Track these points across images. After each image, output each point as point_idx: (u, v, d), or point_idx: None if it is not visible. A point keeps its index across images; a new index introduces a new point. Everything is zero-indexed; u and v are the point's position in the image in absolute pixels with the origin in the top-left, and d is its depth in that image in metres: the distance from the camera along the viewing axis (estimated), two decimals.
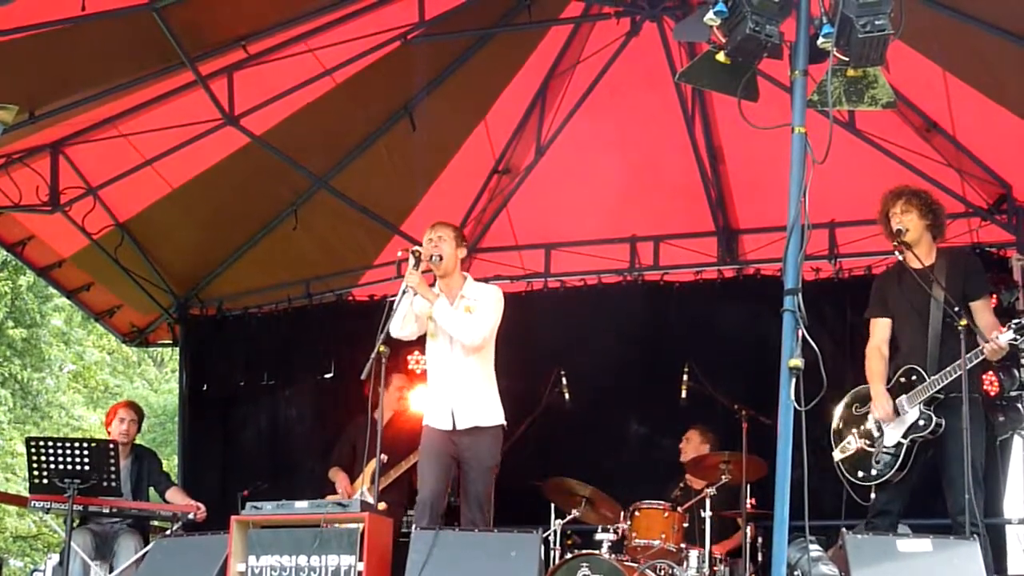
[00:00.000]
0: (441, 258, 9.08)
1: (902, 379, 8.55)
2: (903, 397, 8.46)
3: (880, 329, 8.90)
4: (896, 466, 8.41)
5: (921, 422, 8.34)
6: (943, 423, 8.29)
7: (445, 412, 9.09)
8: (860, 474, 8.57)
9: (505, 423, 9.28)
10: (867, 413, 8.67)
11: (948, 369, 8.24)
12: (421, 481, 9.15)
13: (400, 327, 8.98)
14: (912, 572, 7.53)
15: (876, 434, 8.56)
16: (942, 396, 8.31)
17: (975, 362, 8.16)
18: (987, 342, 8.13)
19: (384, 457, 9.18)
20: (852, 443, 8.65)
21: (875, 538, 7.90)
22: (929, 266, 8.59)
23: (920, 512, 9.19)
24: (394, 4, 11.26)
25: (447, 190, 13.36)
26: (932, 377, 8.33)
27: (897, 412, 8.46)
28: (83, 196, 12.42)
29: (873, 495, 8.52)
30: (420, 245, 9.19)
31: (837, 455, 8.70)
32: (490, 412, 9.15)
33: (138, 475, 11.17)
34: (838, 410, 8.80)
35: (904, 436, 8.40)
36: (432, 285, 9.23)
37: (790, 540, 6.62)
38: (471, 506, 9.03)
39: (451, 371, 9.14)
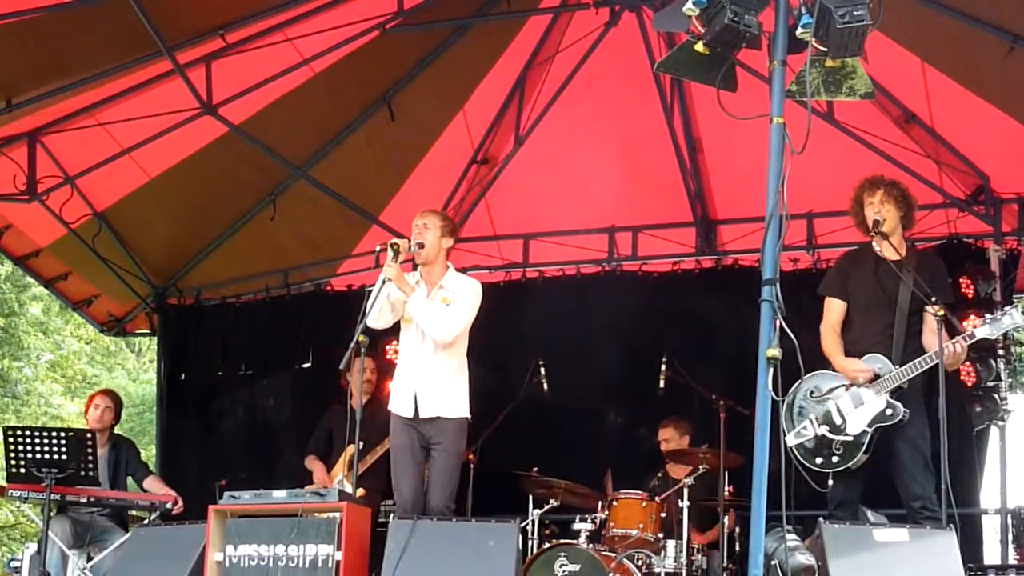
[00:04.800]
0: (422, 246, 9.06)
1: None
2: (867, 387, 8.47)
3: (835, 309, 8.91)
4: (859, 454, 8.42)
5: (888, 411, 8.35)
6: (908, 413, 8.32)
7: (408, 399, 9.10)
8: (819, 460, 8.51)
9: (469, 417, 9.23)
10: (825, 399, 8.64)
11: (920, 360, 8.27)
12: (396, 485, 9.15)
13: (376, 317, 8.98)
14: (889, 561, 7.55)
15: (838, 421, 8.52)
16: (905, 386, 8.36)
17: (934, 362, 8.19)
18: (958, 337, 8.20)
19: (360, 444, 9.17)
20: (810, 428, 8.59)
21: (852, 528, 7.90)
22: (903, 258, 8.62)
23: (879, 501, 9.18)
24: None
25: (426, 180, 13.34)
26: (900, 367, 8.35)
27: (874, 377, 8.49)
28: (61, 185, 12.39)
29: (831, 482, 8.52)
30: (400, 236, 9.20)
31: (792, 440, 8.56)
32: (454, 404, 9.11)
33: (116, 464, 11.20)
34: (793, 395, 8.75)
35: (869, 425, 8.41)
36: (415, 270, 9.23)
37: (768, 530, 6.64)
38: (434, 491, 8.98)
39: (420, 360, 9.13)
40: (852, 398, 8.50)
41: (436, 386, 9.07)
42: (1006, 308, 8.39)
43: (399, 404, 9.19)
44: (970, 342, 8.32)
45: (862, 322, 8.77)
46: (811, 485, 8.37)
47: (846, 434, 8.46)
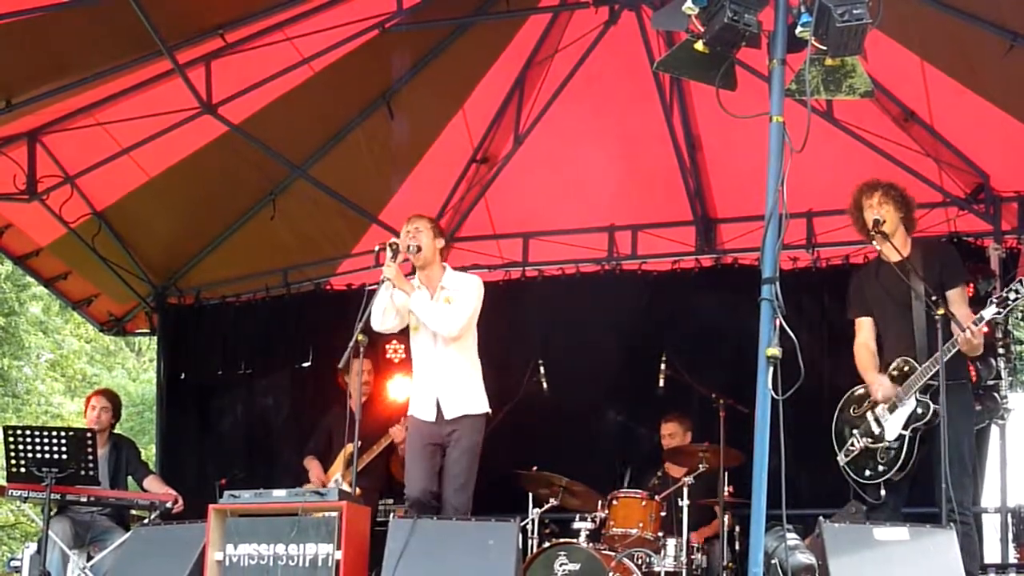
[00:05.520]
0: (419, 248, 9.09)
1: (894, 372, 8.55)
2: (898, 389, 8.47)
3: (865, 327, 8.94)
4: (901, 460, 8.41)
5: (920, 410, 8.33)
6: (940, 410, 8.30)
7: (430, 403, 9.14)
8: (867, 473, 8.55)
9: (490, 411, 9.28)
10: (865, 412, 8.66)
11: (934, 358, 8.25)
12: (408, 479, 9.17)
13: (382, 321, 9.03)
14: (889, 560, 7.55)
15: (877, 430, 8.54)
16: (935, 383, 8.30)
17: (954, 351, 8.19)
18: (963, 331, 8.18)
19: (358, 444, 9.18)
20: (855, 444, 8.64)
21: (852, 527, 7.91)
22: (907, 257, 8.62)
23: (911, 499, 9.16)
24: None
25: (425, 179, 13.34)
26: (923, 365, 8.35)
27: (903, 372, 8.49)
28: (60, 185, 12.38)
29: (883, 492, 8.51)
30: (398, 236, 9.23)
31: (842, 459, 8.70)
32: (475, 401, 9.18)
33: (116, 464, 11.21)
34: (836, 416, 8.83)
35: (905, 427, 8.41)
36: (411, 275, 9.24)
37: (767, 529, 6.64)
38: (448, 489, 9.02)
39: (435, 363, 9.17)
40: (887, 405, 8.53)
41: (456, 387, 9.14)
42: (1011, 284, 8.37)
43: (420, 409, 9.23)
44: (980, 324, 8.29)
45: (890, 329, 8.79)
46: (865, 499, 8.46)
47: (885, 441, 8.48)
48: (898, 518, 8.45)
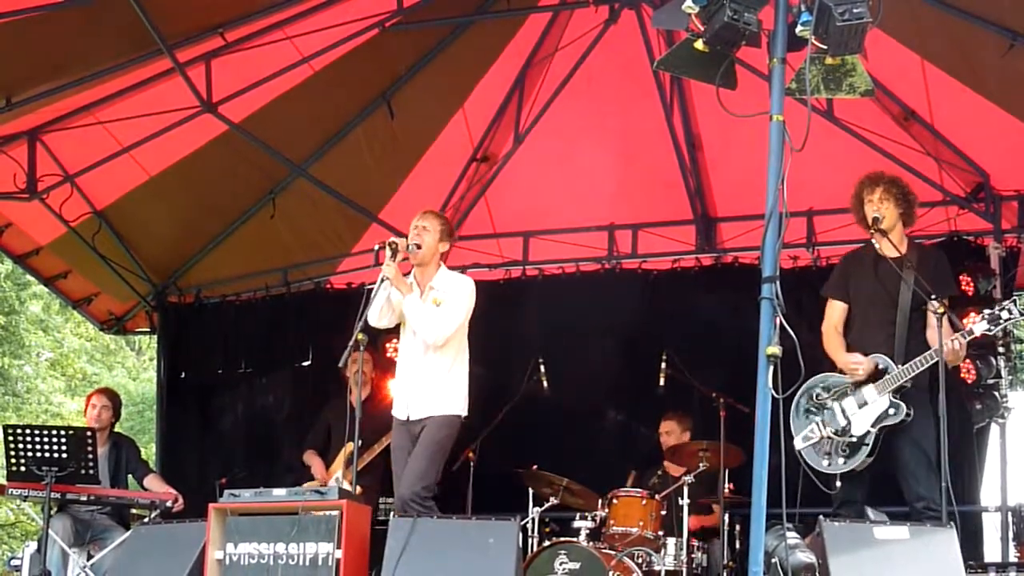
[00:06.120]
0: (419, 247, 9.04)
1: None
2: (870, 386, 8.44)
3: (837, 311, 8.92)
4: (865, 455, 8.40)
5: (891, 411, 8.32)
6: (912, 412, 8.30)
7: (403, 402, 9.14)
8: (826, 463, 8.49)
9: (463, 414, 9.15)
10: (832, 401, 8.63)
11: (921, 358, 8.25)
12: (395, 481, 9.15)
13: (378, 317, 9.00)
14: (889, 559, 7.54)
15: (843, 423, 8.51)
16: (909, 385, 8.33)
17: (935, 359, 8.18)
18: (960, 331, 8.20)
19: (358, 442, 9.16)
20: (816, 432, 8.57)
21: (852, 525, 7.89)
22: (903, 255, 8.61)
23: (884, 499, 9.15)
24: None
25: (425, 178, 13.34)
26: (903, 366, 8.33)
27: (877, 368, 8.48)
28: (61, 183, 12.39)
29: (839, 484, 8.50)
30: (398, 234, 9.21)
31: (799, 443, 8.58)
32: (446, 403, 9.04)
33: (116, 463, 11.20)
34: (798, 398, 8.72)
35: (873, 425, 8.40)
36: (407, 273, 9.23)
37: (768, 527, 6.64)
38: (404, 480, 8.90)
39: (415, 362, 9.14)
40: (856, 399, 8.49)
41: (428, 387, 9.05)
42: (1004, 303, 8.38)
43: (397, 407, 9.22)
44: (969, 338, 8.32)
45: (863, 321, 8.76)
46: (818, 487, 8.41)
47: (851, 435, 8.45)
48: (862, 515, 8.47)
